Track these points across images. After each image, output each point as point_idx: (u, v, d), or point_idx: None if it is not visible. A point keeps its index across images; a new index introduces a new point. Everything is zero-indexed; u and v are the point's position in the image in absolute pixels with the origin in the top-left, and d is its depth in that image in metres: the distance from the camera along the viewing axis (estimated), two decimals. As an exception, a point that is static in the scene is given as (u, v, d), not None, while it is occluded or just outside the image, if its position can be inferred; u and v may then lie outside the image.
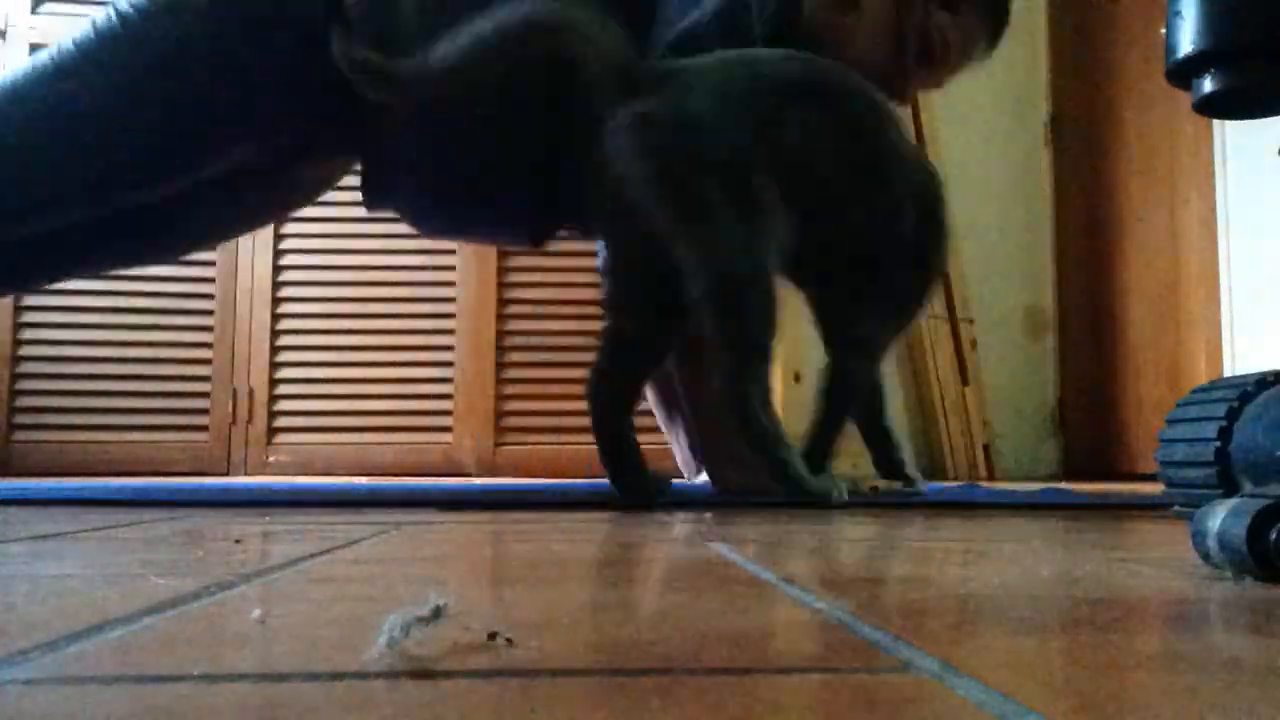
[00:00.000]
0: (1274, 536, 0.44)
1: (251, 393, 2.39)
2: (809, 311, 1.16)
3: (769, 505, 1.00)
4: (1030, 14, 3.05)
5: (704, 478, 1.60)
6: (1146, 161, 2.57)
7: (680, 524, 0.80)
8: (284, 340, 2.42)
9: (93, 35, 1.09)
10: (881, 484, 1.21)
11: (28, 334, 2.35)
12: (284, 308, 2.43)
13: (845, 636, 0.32)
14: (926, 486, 1.28)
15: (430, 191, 1.21)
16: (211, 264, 2.41)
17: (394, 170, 1.20)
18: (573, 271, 2.47)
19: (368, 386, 2.42)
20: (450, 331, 2.44)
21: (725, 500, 1.11)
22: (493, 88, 1.10)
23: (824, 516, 0.88)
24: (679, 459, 1.65)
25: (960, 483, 2.26)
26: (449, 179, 1.20)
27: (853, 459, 1.81)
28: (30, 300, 2.35)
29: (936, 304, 2.72)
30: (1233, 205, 2.21)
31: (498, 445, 2.42)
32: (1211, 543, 0.46)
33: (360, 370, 2.42)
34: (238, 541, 0.61)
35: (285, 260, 2.42)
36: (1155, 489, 0.88)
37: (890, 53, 1.19)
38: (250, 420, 2.39)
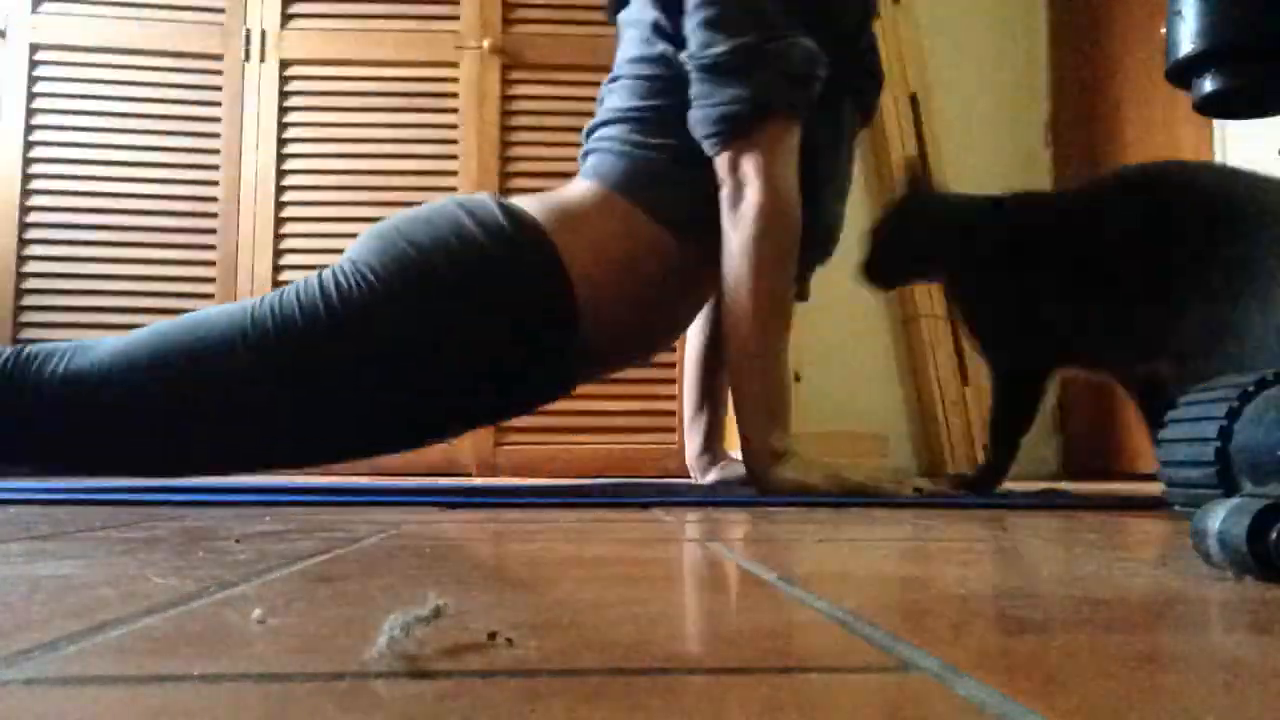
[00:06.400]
0: (1274, 536, 0.44)
1: (251, 393, 2.39)
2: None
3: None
4: (1030, 14, 3.04)
5: (712, 477, 1.60)
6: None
7: (680, 524, 0.80)
8: (284, 340, 2.41)
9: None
10: (925, 484, 1.21)
11: (28, 334, 2.34)
12: (284, 308, 2.42)
13: (845, 636, 0.32)
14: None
15: None
16: (212, 264, 2.41)
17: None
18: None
19: (368, 386, 2.41)
20: (450, 331, 2.44)
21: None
22: None
23: (825, 517, 0.88)
24: (688, 457, 1.65)
25: (960, 483, 2.25)
26: None
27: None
28: (30, 300, 2.35)
29: (936, 304, 2.72)
30: (1233, 205, 2.20)
31: (497, 445, 2.41)
32: (1211, 543, 0.46)
33: (360, 370, 2.42)
34: (238, 541, 0.61)
35: (285, 260, 2.42)
36: (1155, 489, 0.88)
37: None
38: (250, 420, 2.38)
